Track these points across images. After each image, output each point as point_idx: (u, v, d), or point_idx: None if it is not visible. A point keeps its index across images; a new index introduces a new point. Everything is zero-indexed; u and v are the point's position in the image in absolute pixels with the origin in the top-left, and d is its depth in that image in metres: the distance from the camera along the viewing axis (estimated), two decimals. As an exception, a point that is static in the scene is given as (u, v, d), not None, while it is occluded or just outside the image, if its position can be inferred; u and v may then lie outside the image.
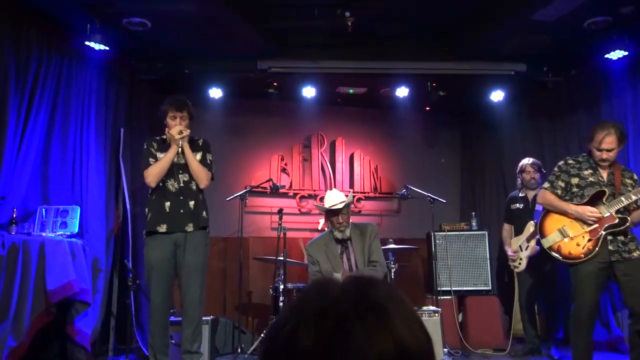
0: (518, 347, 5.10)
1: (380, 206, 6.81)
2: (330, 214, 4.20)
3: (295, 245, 5.76)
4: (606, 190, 3.51)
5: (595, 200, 3.51)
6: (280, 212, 4.87)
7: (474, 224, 5.92)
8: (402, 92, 5.88)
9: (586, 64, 5.31)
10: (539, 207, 4.82)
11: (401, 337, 0.66)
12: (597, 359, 3.71)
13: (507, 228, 5.18)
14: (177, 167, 3.81)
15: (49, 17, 4.35)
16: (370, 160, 6.87)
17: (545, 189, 3.73)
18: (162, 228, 3.71)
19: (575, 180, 3.62)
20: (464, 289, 5.59)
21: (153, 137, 3.99)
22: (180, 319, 3.92)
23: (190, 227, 3.73)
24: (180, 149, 3.79)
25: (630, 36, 4.65)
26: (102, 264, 4.63)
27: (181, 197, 3.78)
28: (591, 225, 3.48)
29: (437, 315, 4.54)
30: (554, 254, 3.59)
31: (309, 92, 5.83)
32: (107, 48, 4.58)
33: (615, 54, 4.78)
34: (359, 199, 6.66)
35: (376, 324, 0.65)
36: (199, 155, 3.88)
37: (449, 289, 5.46)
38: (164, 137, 3.88)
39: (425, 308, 4.70)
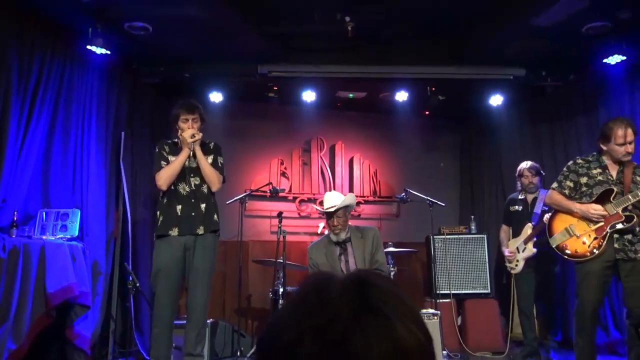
0: (516, 350, 5.09)
1: (380, 210, 6.81)
2: (327, 216, 4.20)
3: (295, 248, 5.76)
4: (614, 188, 3.51)
5: (603, 199, 3.52)
6: (280, 215, 4.87)
7: (473, 227, 5.93)
8: (401, 96, 5.90)
9: (584, 69, 5.32)
10: (537, 210, 4.84)
11: (401, 338, 0.65)
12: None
13: (505, 229, 5.18)
14: (189, 171, 3.82)
15: (51, 21, 4.36)
16: (370, 164, 6.88)
17: (554, 189, 3.75)
18: (174, 232, 3.71)
19: (584, 180, 3.63)
20: (463, 292, 5.59)
21: (165, 140, 4.00)
22: (183, 322, 3.91)
23: (201, 230, 3.74)
24: (191, 152, 3.79)
25: (628, 41, 4.66)
26: (102, 267, 4.63)
27: (193, 201, 3.79)
28: (597, 223, 3.48)
29: (436, 318, 4.53)
30: (560, 253, 3.63)
31: (309, 96, 5.84)
32: (108, 52, 4.58)
33: (614, 59, 4.79)
34: (358, 203, 6.66)
35: (376, 327, 0.65)
36: (210, 159, 3.89)
37: (448, 292, 5.46)
38: (176, 140, 3.89)
39: (424, 311, 4.70)
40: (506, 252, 5.02)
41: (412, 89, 5.85)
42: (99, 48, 4.50)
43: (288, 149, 6.68)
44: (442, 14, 4.79)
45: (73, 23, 4.43)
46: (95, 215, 4.65)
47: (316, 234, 6.27)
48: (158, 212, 3.83)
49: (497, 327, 5.42)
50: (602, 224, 3.48)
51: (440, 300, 5.23)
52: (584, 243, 3.51)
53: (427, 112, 6.81)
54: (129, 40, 4.72)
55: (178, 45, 4.99)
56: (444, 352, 4.44)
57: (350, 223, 4.25)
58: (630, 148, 3.50)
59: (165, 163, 3.82)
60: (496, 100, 5.95)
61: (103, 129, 4.91)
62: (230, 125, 6.27)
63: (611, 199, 3.50)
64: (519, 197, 5.11)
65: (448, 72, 5.47)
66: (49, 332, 3.92)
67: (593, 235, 3.48)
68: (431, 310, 4.70)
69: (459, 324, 5.46)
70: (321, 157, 6.73)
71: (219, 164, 3.93)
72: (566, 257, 3.61)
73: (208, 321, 4.51)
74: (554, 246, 3.67)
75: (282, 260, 4.71)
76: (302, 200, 6.56)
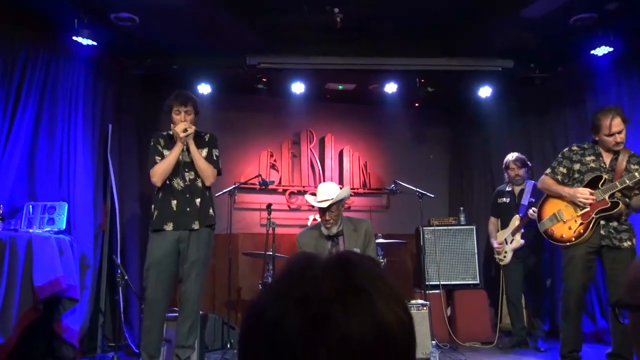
0: (505, 340, 5.16)
1: (370, 202, 6.84)
2: (319, 209, 4.05)
3: (285, 241, 5.76)
4: (604, 175, 3.56)
5: (592, 185, 3.58)
6: (269, 207, 4.86)
7: (462, 218, 5.97)
8: (391, 88, 5.91)
9: (572, 61, 5.36)
10: (524, 202, 4.89)
11: (383, 318, 0.67)
12: (583, 349, 3.75)
13: (493, 221, 5.23)
14: (183, 165, 3.81)
15: (36, 12, 4.32)
16: (360, 156, 6.89)
17: (546, 174, 3.82)
18: (169, 226, 3.72)
19: (577, 166, 3.69)
20: (452, 283, 5.63)
21: (160, 133, 3.96)
22: (174, 314, 3.92)
23: (196, 225, 3.74)
24: (185, 146, 3.77)
25: (615, 32, 4.70)
26: (90, 260, 4.61)
27: (187, 195, 3.78)
28: (583, 208, 3.53)
29: (425, 308, 4.56)
30: (547, 238, 3.72)
31: (298, 88, 5.83)
32: (95, 43, 4.55)
33: (601, 50, 4.83)
34: (348, 195, 6.68)
35: (357, 304, 0.66)
36: (204, 152, 3.87)
37: (437, 283, 5.50)
38: (171, 132, 3.85)
39: (413, 302, 4.73)
40: (495, 244, 5.07)
41: (402, 81, 5.86)
42: (85, 39, 4.46)
43: (277, 141, 6.67)
44: (431, 6, 4.79)
45: (58, 14, 4.39)
46: (82, 208, 4.63)
47: (306, 226, 6.28)
48: (153, 207, 3.82)
49: (486, 318, 5.47)
50: (588, 209, 3.53)
51: (430, 292, 5.27)
52: (569, 228, 3.58)
53: (416, 104, 6.82)
54: (116, 31, 4.68)
55: (165, 36, 4.96)
56: (433, 342, 4.48)
57: (343, 214, 4.13)
58: (619, 138, 3.54)
59: (159, 158, 3.80)
60: (485, 91, 5.98)
61: (90, 121, 4.88)
62: (218, 117, 6.23)
63: (600, 185, 3.55)
64: (507, 189, 5.16)
65: (437, 64, 5.49)
66: (36, 326, 3.90)
67: (579, 221, 3.54)
68: (420, 301, 4.73)
69: (448, 314, 5.51)
70: (311, 149, 6.73)
71: (214, 157, 3.91)
72: (553, 242, 3.69)
73: (198, 313, 4.53)
74: (542, 231, 3.76)
75: (271, 253, 4.71)
76: (291, 193, 6.57)
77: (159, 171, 3.75)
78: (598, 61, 5.01)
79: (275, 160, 6.61)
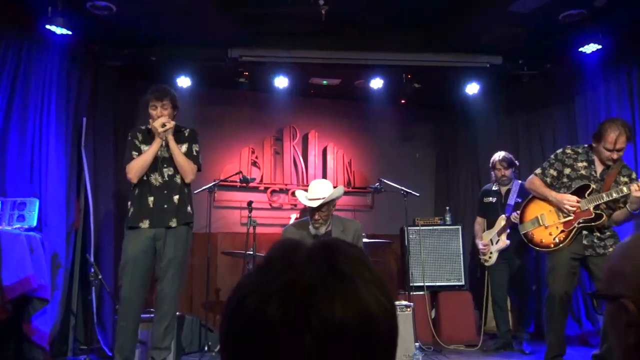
0: (490, 343, 5.22)
1: (354, 201, 6.87)
2: (309, 207, 3.96)
3: (266, 240, 5.76)
4: (592, 185, 3.61)
5: (578, 194, 3.62)
6: (250, 204, 4.87)
7: (447, 218, 6.03)
8: (376, 83, 5.94)
9: (561, 58, 5.45)
10: (510, 202, 4.96)
11: (366, 305, 0.69)
12: (569, 352, 3.83)
13: (479, 221, 5.29)
14: (162, 161, 3.80)
15: (6, -1, 4.26)
16: (344, 153, 6.92)
17: (536, 174, 3.85)
18: (145, 224, 3.70)
19: (567, 171, 3.74)
20: (437, 284, 5.69)
21: (138, 128, 3.97)
22: (149, 315, 3.90)
23: (174, 223, 3.74)
24: (164, 142, 3.76)
25: (604, 30, 4.79)
26: (62, 259, 4.57)
27: (165, 192, 3.77)
28: (567, 216, 3.59)
29: (409, 310, 4.60)
30: (526, 241, 3.77)
31: (281, 82, 5.83)
32: (69, 33, 4.50)
33: (590, 48, 4.92)
34: (332, 194, 6.70)
35: (341, 293, 0.69)
36: (184, 147, 3.87)
37: (421, 284, 5.55)
38: (150, 127, 3.84)
39: (397, 303, 4.76)
40: (480, 245, 5.13)
41: (388, 77, 5.90)
42: (59, 28, 4.41)
43: (259, 138, 6.67)
44: (418, 1, 4.83)
45: (31, 1, 4.34)
46: (54, 204, 4.58)
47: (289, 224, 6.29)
48: (129, 203, 3.81)
49: (471, 320, 5.54)
50: (571, 217, 3.58)
51: (414, 293, 5.32)
52: (550, 234, 3.63)
53: (403, 101, 6.87)
54: (92, 20, 4.64)
55: (143, 26, 4.93)
56: (417, 344, 4.52)
57: (333, 213, 4.07)
58: (615, 155, 3.56)
59: (136, 153, 3.79)
60: (472, 88, 6.04)
61: (63, 114, 4.82)
62: (198, 111, 6.22)
63: (586, 194, 3.60)
64: (493, 188, 5.22)
65: (424, 60, 5.53)
66: (5, 327, 3.87)
67: (560, 228, 3.60)
68: (404, 303, 4.77)
69: (432, 316, 5.57)
70: (294, 146, 6.74)
71: (194, 152, 3.91)
72: (531, 245, 3.76)
73: (174, 315, 4.52)
74: (521, 233, 3.81)
75: (252, 252, 4.72)
76: (273, 191, 6.57)
77: (136, 167, 3.74)
78: (586, 59, 5.10)
79: (256, 157, 6.61)
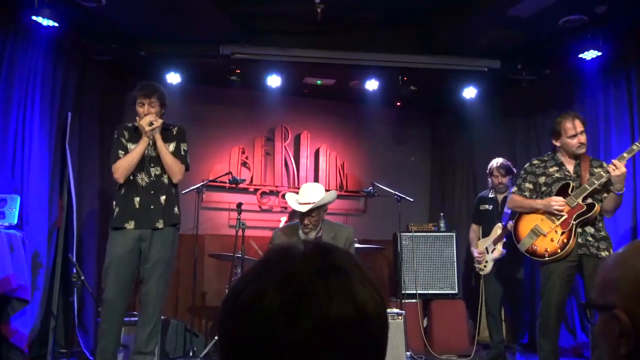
0: (483, 353, 5.26)
1: (346, 205, 6.89)
2: (298, 212, 3.94)
3: (255, 242, 5.77)
4: (571, 183, 3.69)
5: (561, 194, 3.69)
6: (239, 206, 4.88)
7: (442, 224, 6.07)
8: (372, 85, 5.97)
9: (560, 63, 5.51)
10: (507, 210, 5.00)
11: (361, 298, 0.74)
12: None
13: (474, 229, 5.33)
14: (149, 160, 3.80)
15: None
16: (337, 156, 6.95)
17: (513, 193, 3.93)
18: (130, 225, 3.70)
19: (542, 179, 3.82)
20: (430, 292, 5.72)
21: (125, 125, 3.96)
22: (132, 319, 3.90)
23: (160, 224, 3.74)
24: (151, 141, 3.76)
25: (604, 36, 4.85)
26: (43, 259, 4.55)
27: (152, 192, 3.77)
28: (561, 217, 3.63)
29: (400, 318, 4.63)
30: (531, 256, 3.75)
31: (274, 81, 5.84)
32: (56, 24, 4.48)
33: (589, 54, 4.98)
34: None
35: (337, 286, 0.73)
36: (172, 146, 3.87)
37: (414, 292, 5.58)
38: (137, 124, 3.83)
39: (388, 311, 4.76)
40: (475, 253, 5.17)
41: (383, 78, 5.93)
42: (45, 19, 4.40)
43: (250, 137, 6.68)
44: (417, 1, 4.88)
45: (17, -9, 4.33)
46: (36, 202, 4.56)
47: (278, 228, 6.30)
48: (114, 203, 3.80)
49: (464, 329, 5.58)
50: (566, 216, 3.64)
51: (406, 301, 5.35)
52: (552, 240, 3.66)
53: (398, 103, 6.92)
54: (80, 12, 4.63)
55: (133, 20, 4.93)
56: (408, 353, 4.55)
57: (325, 218, 4.05)
58: (582, 139, 3.72)
59: (123, 152, 3.79)
60: (470, 92, 6.09)
61: (48, 108, 4.81)
62: (188, 109, 6.21)
63: (569, 192, 3.67)
64: (489, 195, 5.25)
65: (420, 62, 5.57)
66: (-18, 328, 3.85)
67: (560, 231, 3.64)
68: (395, 310, 4.80)
69: (424, 325, 5.60)
70: (285, 147, 6.76)
71: (182, 152, 3.92)
72: (537, 258, 3.71)
73: (159, 318, 4.51)
74: (523, 251, 3.79)
75: (240, 255, 4.72)
76: (263, 193, 6.59)
77: (122, 167, 3.74)
78: (586, 65, 5.16)
79: (246, 158, 6.62)
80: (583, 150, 3.75)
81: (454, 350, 5.41)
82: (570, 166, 3.79)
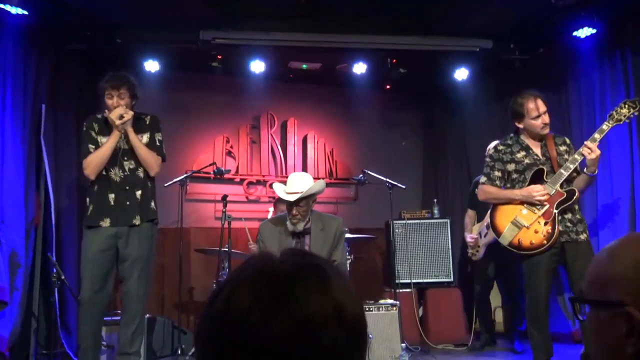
0: (477, 342, 5.32)
1: (336, 193, 6.89)
2: (286, 201, 3.97)
3: (242, 235, 5.77)
4: (544, 168, 3.68)
5: (536, 181, 3.67)
6: (224, 198, 4.86)
7: (435, 211, 6.08)
8: (359, 68, 5.95)
9: (554, 42, 5.51)
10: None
11: (339, 297, 0.75)
12: (560, 351, 3.91)
13: (470, 214, 5.35)
14: (122, 153, 3.75)
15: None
16: (325, 142, 6.93)
17: (483, 183, 3.87)
18: (106, 222, 3.67)
19: (511, 167, 3.77)
20: (425, 281, 5.75)
21: (94, 117, 3.88)
22: (117, 317, 3.89)
23: (137, 220, 3.71)
24: (123, 134, 3.72)
25: (598, 13, 4.85)
26: (21, 259, 4.51)
27: (127, 188, 3.74)
28: (542, 206, 3.62)
29: (394, 309, 4.65)
30: (516, 250, 3.69)
31: (257, 66, 5.80)
32: (26, 12, 4.42)
33: (583, 32, 4.98)
34: (313, 186, 6.72)
35: (316, 284, 0.75)
36: (145, 137, 3.83)
37: (408, 281, 5.61)
38: (107, 115, 3.78)
39: (382, 302, 4.81)
40: (468, 238, 5.20)
41: (371, 61, 5.90)
42: (14, 7, 4.34)
43: (235, 126, 6.65)
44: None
45: (-17, -23, 4.25)
46: (12, 199, 4.51)
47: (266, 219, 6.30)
48: (88, 200, 3.77)
49: (460, 318, 5.62)
50: (547, 206, 3.63)
51: (400, 290, 5.37)
52: (536, 232, 3.61)
53: (388, 86, 6.90)
54: (51, -1, 4.57)
55: (108, 6, 4.86)
56: (403, 345, 4.57)
57: (313, 209, 4.06)
58: (546, 118, 3.70)
59: (93, 147, 3.74)
60: (461, 74, 6.08)
61: (20, 101, 4.74)
62: (168, 98, 6.17)
63: (545, 178, 3.66)
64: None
65: (410, 43, 5.55)
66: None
67: (543, 221, 3.61)
68: (389, 301, 4.82)
69: (420, 315, 5.63)
70: (271, 135, 6.74)
71: (157, 142, 3.88)
72: (522, 252, 3.66)
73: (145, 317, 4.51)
74: (505, 245, 3.72)
75: (227, 249, 4.72)
76: (250, 183, 6.57)
77: (93, 163, 3.69)
78: (580, 43, 5.16)
79: (231, 147, 6.59)
80: (547, 130, 3.74)
81: (451, 339, 5.46)
82: (537, 149, 3.76)
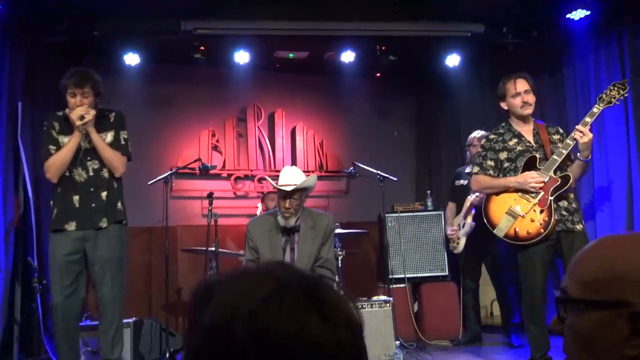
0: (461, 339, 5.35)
1: (327, 186, 6.89)
2: (280, 194, 3.98)
3: (231, 232, 5.77)
4: (536, 155, 3.70)
5: (529, 169, 3.68)
6: (210, 196, 4.84)
7: (429, 203, 6.07)
8: (348, 56, 5.93)
9: (548, 25, 5.51)
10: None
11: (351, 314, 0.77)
12: (558, 344, 3.92)
13: (450, 207, 5.38)
14: (85, 153, 3.68)
15: None
16: (315, 134, 6.92)
17: (476, 173, 3.88)
18: (71, 226, 3.62)
19: (504, 155, 3.79)
20: (419, 275, 5.75)
21: (54, 114, 3.80)
22: (96, 322, 3.87)
23: (104, 223, 3.65)
24: (85, 134, 3.66)
25: (592, -6, 4.86)
26: (1, 263, 4.49)
27: (92, 189, 3.68)
28: (537, 194, 3.63)
29: (388, 305, 4.66)
30: (512, 242, 3.70)
31: (242, 57, 5.77)
32: (-3, 5, 4.38)
33: (577, 14, 4.99)
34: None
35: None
36: (110, 136, 3.76)
37: (402, 276, 5.61)
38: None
39: (375, 298, 4.82)
40: (448, 231, 5.23)
41: (360, 49, 5.89)
42: (-16, 1, 4.29)
43: (220, 119, 6.62)
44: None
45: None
46: (-11, 201, 4.49)
47: (255, 215, 6.29)
48: (51, 203, 3.72)
49: (456, 313, 5.61)
50: (542, 193, 3.64)
51: (394, 286, 5.38)
52: (532, 220, 3.61)
53: (377, 75, 6.89)
54: (23, -9, 4.52)
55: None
56: (397, 342, 4.58)
57: (304, 206, 4.09)
58: (527, 98, 3.75)
59: (54, 148, 3.66)
60: (453, 60, 6.08)
61: (-6, 98, 4.71)
62: (150, 92, 6.14)
63: (537, 165, 3.67)
64: (466, 170, 5.25)
65: (399, 29, 5.54)
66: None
67: (539, 209, 3.62)
68: (383, 297, 4.83)
69: (414, 310, 5.64)
70: (259, 127, 6.72)
71: (122, 141, 3.79)
72: (520, 242, 3.66)
73: (130, 320, 4.49)
74: (502, 237, 3.72)
75: (214, 248, 4.70)
76: (237, 178, 6.55)
77: (55, 166, 3.63)
78: (574, 26, 5.17)
79: (217, 141, 6.57)
80: (529, 110, 3.78)
81: (446, 335, 5.46)
82: (529, 136, 3.79)
